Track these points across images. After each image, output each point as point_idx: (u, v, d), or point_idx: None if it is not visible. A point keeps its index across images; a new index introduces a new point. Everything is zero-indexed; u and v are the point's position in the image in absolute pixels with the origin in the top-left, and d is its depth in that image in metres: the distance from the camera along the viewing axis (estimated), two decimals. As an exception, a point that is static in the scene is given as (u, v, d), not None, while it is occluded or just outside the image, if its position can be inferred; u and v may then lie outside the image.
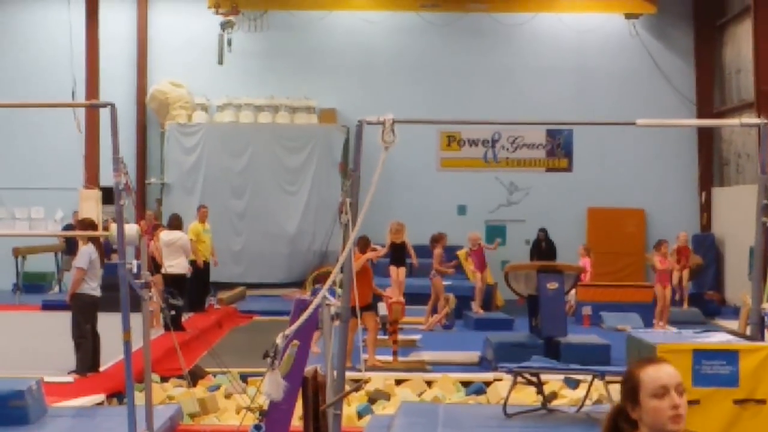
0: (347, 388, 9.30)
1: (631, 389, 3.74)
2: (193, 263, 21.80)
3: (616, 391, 12.16)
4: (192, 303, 21.51)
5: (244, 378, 14.80)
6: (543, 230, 27.76)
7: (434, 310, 21.92)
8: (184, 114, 28.98)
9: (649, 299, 23.26)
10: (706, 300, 25.07)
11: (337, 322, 9.27)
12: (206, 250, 22.68)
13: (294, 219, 28.65)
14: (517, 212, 29.46)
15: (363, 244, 16.53)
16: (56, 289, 27.09)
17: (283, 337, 7.73)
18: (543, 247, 27.48)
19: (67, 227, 25.80)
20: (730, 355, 8.76)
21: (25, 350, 16.86)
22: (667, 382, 3.70)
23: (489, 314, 22.91)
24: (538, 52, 29.62)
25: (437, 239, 22.55)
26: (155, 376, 14.46)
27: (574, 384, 14.68)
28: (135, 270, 9.09)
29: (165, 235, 20.51)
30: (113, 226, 9.44)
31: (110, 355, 14.80)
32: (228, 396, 14.40)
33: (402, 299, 18.41)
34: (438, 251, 22.11)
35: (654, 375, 3.72)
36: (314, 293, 11.98)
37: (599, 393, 13.15)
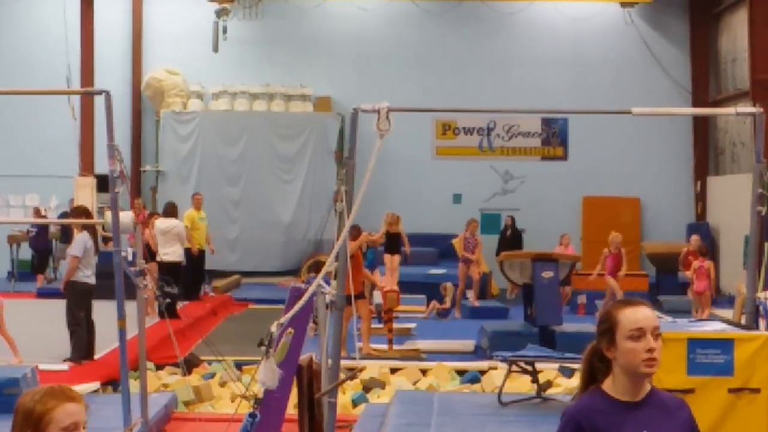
0: (342, 376, 9.30)
1: (608, 329, 3.76)
2: (188, 251, 21.78)
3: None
4: (187, 291, 21.49)
5: (239, 366, 14.81)
6: (511, 218, 27.46)
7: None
8: (179, 102, 28.94)
9: (645, 288, 23.30)
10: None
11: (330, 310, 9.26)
12: (201, 237, 22.63)
13: (289, 207, 28.64)
14: (513, 201, 29.45)
15: (354, 233, 16.50)
16: (51, 276, 27.05)
17: (278, 326, 7.73)
18: (508, 235, 26.93)
19: (63, 215, 25.76)
20: (725, 344, 8.75)
21: (20, 338, 16.79)
22: (644, 325, 3.72)
23: (484, 303, 22.92)
24: (533, 40, 29.60)
25: (467, 224, 22.40)
26: (150, 364, 14.47)
27: (569, 372, 14.69)
28: (130, 258, 9.08)
29: (160, 223, 20.48)
30: (109, 214, 9.42)
31: (105, 343, 14.79)
32: (223, 384, 14.41)
33: (396, 288, 18.42)
34: (460, 236, 21.99)
35: (631, 317, 3.73)
36: (309, 281, 11.98)
37: (594, 381, 13.14)
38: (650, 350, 3.70)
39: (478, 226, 22.47)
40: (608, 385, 3.78)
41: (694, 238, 22.86)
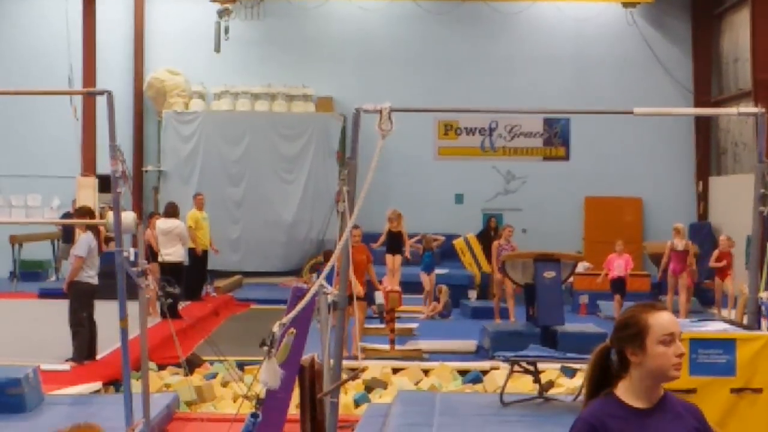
0: (344, 376, 9.30)
1: (637, 334, 3.77)
2: (191, 251, 21.79)
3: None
4: (189, 291, 21.48)
5: (240, 366, 14.82)
6: (494, 217, 27.11)
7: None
8: (181, 102, 28.94)
9: (647, 288, 23.27)
10: (702, 289, 25.03)
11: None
12: (205, 237, 22.63)
13: (291, 207, 28.64)
14: (515, 201, 29.45)
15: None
16: (53, 277, 27.08)
17: (279, 326, 7.72)
18: (491, 236, 25.11)
19: (65, 215, 25.78)
20: (727, 344, 8.76)
21: (22, 338, 16.85)
22: (674, 330, 3.77)
23: (485, 303, 22.90)
24: (535, 40, 29.59)
25: (501, 231, 21.99)
26: (152, 364, 14.47)
27: (570, 373, 14.70)
28: (132, 258, 9.09)
29: (162, 224, 20.48)
30: (110, 214, 9.43)
31: (107, 343, 14.79)
32: (225, 384, 14.41)
33: (398, 288, 18.40)
34: (494, 243, 21.54)
35: (663, 322, 3.77)
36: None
37: (596, 382, 13.14)
38: (681, 355, 3.76)
39: (513, 231, 21.74)
40: (622, 391, 3.79)
41: (722, 238, 22.62)
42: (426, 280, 21.98)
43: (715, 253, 22.16)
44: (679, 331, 3.78)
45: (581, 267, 23.30)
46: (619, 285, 21.49)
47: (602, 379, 3.85)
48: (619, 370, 3.81)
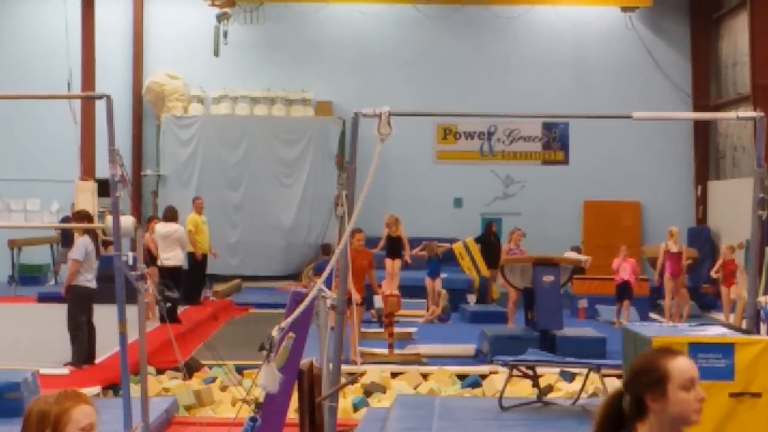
0: (343, 380, 9.30)
1: (658, 380, 3.73)
2: (191, 255, 21.78)
3: (611, 384, 12.19)
4: (188, 295, 21.47)
5: (239, 370, 14.81)
6: (495, 222, 26.91)
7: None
8: (180, 106, 28.94)
9: (646, 292, 23.27)
10: (701, 293, 25.05)
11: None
12: (205, 241, 22.63)
13: (290, 211, 28.64)
14: (513, 205, 29.44)
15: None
16: (52, 281, 27.07)
17: (278, 330, 7.72)
18: (490, 241, 25.13)
19: (65, 219, 25.77)
20: (725, 349, 8.76)
21: (21, 342, 16.84)
22: (694, 376, 3.76)
23: (484, 307, 22.89)
24: (534, 44, 29.59)
25: (510, 234, 21.82)
26: (151, 369, 14.47)
27: (569, 377, 14.70)
28: (131, 262, 9.08)
29: (161, 228, 20.47)
30: (109, 218, 9.43)
31: (106, 347, 14.80)
32: (224, 388, 14.40)
33: (397, 292, 18.39)
34: (504, 247, 21.38)
35: (683, 367, 3.75)
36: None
37: (595, 386, 13.17)
38: (701, 400, 3.75)
39: (522, 235, 21.47)
40: None
41: (723, 248, 22.54)
42: (430, 285, 21.96)
43: (718, 262, 22.06)
44: (698, 376, 3.77)
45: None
46: (625, 289, 21.50)
47: (613, 425, 3.80)
48: (634, 416, 3.77)
